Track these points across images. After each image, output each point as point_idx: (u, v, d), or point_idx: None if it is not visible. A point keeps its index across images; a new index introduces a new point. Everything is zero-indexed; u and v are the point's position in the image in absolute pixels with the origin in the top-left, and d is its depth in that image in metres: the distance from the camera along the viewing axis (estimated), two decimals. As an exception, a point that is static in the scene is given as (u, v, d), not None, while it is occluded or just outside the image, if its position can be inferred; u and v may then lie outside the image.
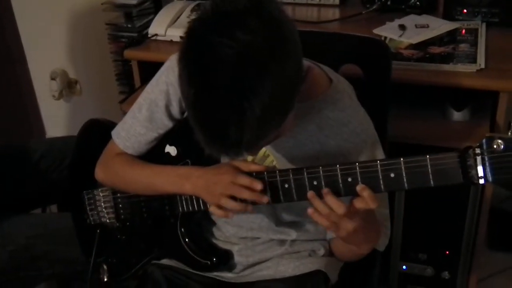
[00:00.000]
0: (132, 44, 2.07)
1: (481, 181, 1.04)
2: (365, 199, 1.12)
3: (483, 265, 2.11)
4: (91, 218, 1.55)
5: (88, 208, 1.55)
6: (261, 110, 0.98)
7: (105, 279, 1.54)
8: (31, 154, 1.89)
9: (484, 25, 1.94)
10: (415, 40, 1.86)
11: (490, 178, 1.04)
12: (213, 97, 1.00)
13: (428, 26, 1.94)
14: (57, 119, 2.90)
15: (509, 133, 1.02)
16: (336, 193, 1.13)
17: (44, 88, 2.81)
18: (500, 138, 1.01)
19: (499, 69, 1.70)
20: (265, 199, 1.21)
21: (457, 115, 1.81)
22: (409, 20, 1.98)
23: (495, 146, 1.02)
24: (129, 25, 2.19)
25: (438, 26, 1.93)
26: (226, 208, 1.26)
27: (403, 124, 1.75)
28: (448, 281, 2.01)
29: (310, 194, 1.15)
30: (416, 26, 1.95)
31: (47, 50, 2.74)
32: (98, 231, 1.53)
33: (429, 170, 1.06)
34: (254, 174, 1.23)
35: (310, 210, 1.16)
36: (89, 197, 1.54)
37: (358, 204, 1.12)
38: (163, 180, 1.36)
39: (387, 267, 2.05)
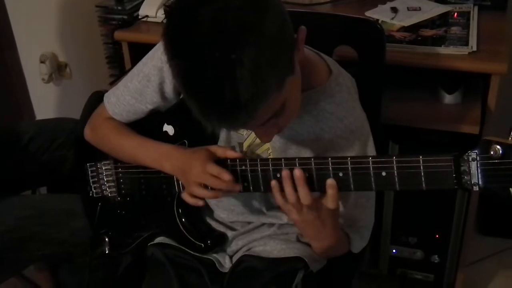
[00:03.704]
0: (122, 25, 2.05)
1: (475, 188, 0.99)
2: (328, 196, 1.12)
3: (473, 249, 2.13)
4: (94, 191, 1.55)
5: (91, 181, 1.55)
6: (250, 61, 0.94)
7: (106, 251, 1.55)
8: (20, 136, 1.87)
9: (476, 8, 1.93)
10: (407, 22, 1.85)
11: (484, 185, 0.98)
12: (198, 60, 0.96)
13: (420, 9, 1.93)
14: (47, 103, 2.88)
15: (510, 138, 0.95)
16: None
17: (33, 72, 2.79)
18: (498, 143, 0.95)
19: (491, 52, 1.70)
20: (237, 188, 1.21)
21: (448, 98, 1.80)
22: (401, 3, 1.98)
23: (492, 152, 0.95)
24: (119, 7, 2.16)
25: (430, 9, 1.93)
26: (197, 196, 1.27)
27: (395, 106, 1.75)
28: (438, 265, 2.02)
29: (285, 173, 1.14)
30: (408, 8, 1.94)
31: (37, 33, 2.71)
32: (99, 204, 1.54)
33: (422, 172, 1.03)
34: (229, 161, 1.22)
35: (273, 182, 1.17)
36: (92, 170, 1.55)
37: (323, 201, 1.14)
38: (145, 155, 1.36)
39: (377, 251, 2.06)
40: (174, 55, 1.00)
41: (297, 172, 1.12)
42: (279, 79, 1.01)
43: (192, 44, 0.97)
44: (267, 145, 1.31)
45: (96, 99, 1.53)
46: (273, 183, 1.16)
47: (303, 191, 1.13)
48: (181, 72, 1.00)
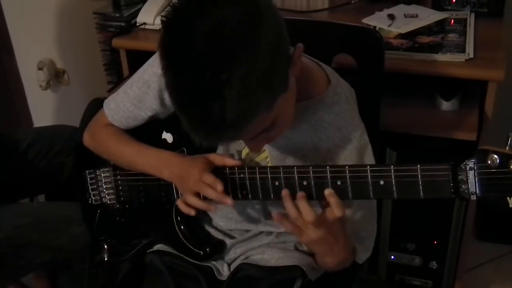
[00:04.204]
0: (120, 33, 2.06)
1: (472, 198, 0.99)
2: (331, 205, 1.11)
3: (471, 255, 2.12)
4: (93, 198, 1.55)
5: (90, 188, 1.55)
6: (239, 83, 0.95)
7: (105, 259, 1.54)
8: (18, 143, 1.87)
9: (473, 15, 1.94)
10: (404, 29, 1.86)
11: (481, 194, 0.98)
12: (190, 75, 0.97)
13: (417, 16, 1.94)
14: (44, 110, 2.87)
15: (507, 148, 0.95)
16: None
17: (31, 78, 2.79)
18: (495, 153, 0.95)
19: (488, 59, 1.70)
20: (228, 201, 1.20)
21: (446, 105, 1.81)
22: (398, 10, 1.98)
23: (489, 162, 0.95)
24: (117, 14, 2.16)
25: (427, 16, 1.93)
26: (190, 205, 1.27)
27: (393, 113, 1.75)
28: (436, 271, 2.02)
29: (284, 192, 1.14)
30: (405, 15, 1.95)
31: (34, 40, 2.71)
32: (98, 211, 1.54)
33: (419, 180, 1.03)
34: (227, 169, 1.22)
35: (276, 216, 1.18)
36: (91, 177, 1.54)
37: (328, 213, 1.12)
38: (144, 162, 1.36)
39: (376, 257, 2.06)
40: (167, 68, 1.01)
41: (300, 194, 1.12)
42: (270, 99, 1.02)
43: (185, 61, 0.97)
44: (266, 153, 1.31)
45: (96, 105, 1.53)
46: (276, 215, 1.18)
47: (305, 208, 1.12)
48: (172, 86, 1.02)
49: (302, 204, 1.12)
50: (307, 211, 1.12)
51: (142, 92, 1.34)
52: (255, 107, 0.99)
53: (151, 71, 1.32)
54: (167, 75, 1.01)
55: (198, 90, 0.97)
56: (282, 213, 1.30)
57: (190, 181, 1.25)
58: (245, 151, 1.33)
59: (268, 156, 1.32)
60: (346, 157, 1.26)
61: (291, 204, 1.14)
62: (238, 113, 0.97)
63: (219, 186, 1.19)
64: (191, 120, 1.02)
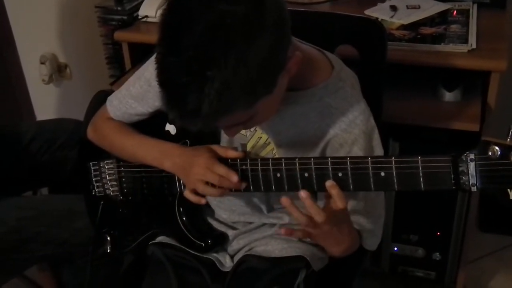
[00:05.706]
0: (122, 26, 2.06)
1: (473, 189, 0.99)
2: (333, 197, 1.11)
3: (474, 247, 2.13)
4: (96, 190, 1.55)
5: (93, 180, 1.55)
6: (221, 83, 0.97)
7: (108, 251, 1.55)
8: (21, 136, 1.87)
9: (475, 6, 1.94)
10: (406, 20, 1.86)
11: (482, 186, 0.98)
12: (177, 61, 0.99)
13: (419, 7, 1.93)
14: (47, 104, 2.88)
15: (508, 139, 0.95)
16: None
17: (33, 73, 2.79)
18: (496, 144, 0.94)
19: (490, 49, 1.70)
20: (242, 186, 1.21)
21: (448, 96, 1.80)
22: (401, 1, 1.97)
23: (490, 153, 0.95)
24: (119, 8, 2.16)
25: (430, 7, 1.93)
26: (201, 194, 1.27)
27: (395, 104, 1.74)
28: (439, 262, 2.02)
29: (287, 202, 1.13)
30: (407, 7, 1.94)
31: (37, 34, 2.71)
32: (101, 202, 1.54)
33: (420, 172, 1.03)
34: (230, 160, 1.22)
35: (285, 231, 1.19)
36: (95, 168, 1.55)
37: (331, 205, 1.12)
38: (146, 153, 1.37)
39: (379, 248, 2.03)
40: (160, 44, 1.03)
41: (303, 194, 1.11)
42: (250, 101, 1.04)
43: (180, 42, 0.99)
44: (272, 145, 1.31)
45: (101, 98, 1.53)
46: (284, 230, 1.19)
47: (314, 210, 1.11)
48: (160, 60, 1.03)
49: (311, 207, 1.11)
50: (317, 213, 1.11)
51: (144, 90, 1.35)
52: (232, 106, 1.02)
53: (152, 69, 1.32)
54: (158, 47, 1.03)
55: (182, 75, 0.99)
56: (288, 225, 1.33)
57: (195, 170, 1.24)
58: (250, 144, 1.33)
59: (274, 148, 1.32)
60: (354, 141, 1.25)
61: (299, 213, 1.13)
62: (214, 109, 0.99)
63: (235, 177, 1.20)
64: (168, 100, 1.04)
